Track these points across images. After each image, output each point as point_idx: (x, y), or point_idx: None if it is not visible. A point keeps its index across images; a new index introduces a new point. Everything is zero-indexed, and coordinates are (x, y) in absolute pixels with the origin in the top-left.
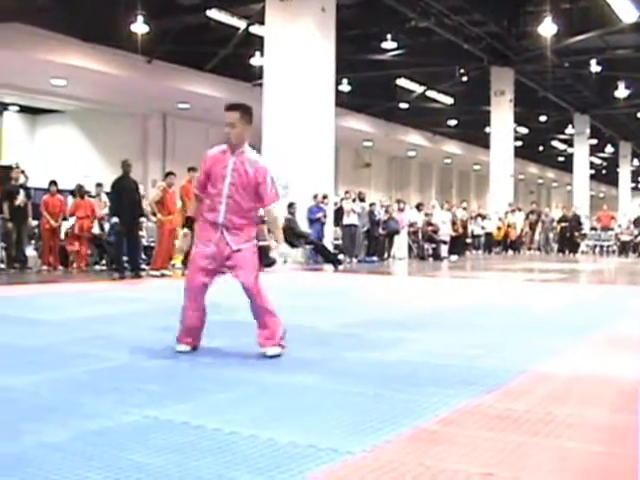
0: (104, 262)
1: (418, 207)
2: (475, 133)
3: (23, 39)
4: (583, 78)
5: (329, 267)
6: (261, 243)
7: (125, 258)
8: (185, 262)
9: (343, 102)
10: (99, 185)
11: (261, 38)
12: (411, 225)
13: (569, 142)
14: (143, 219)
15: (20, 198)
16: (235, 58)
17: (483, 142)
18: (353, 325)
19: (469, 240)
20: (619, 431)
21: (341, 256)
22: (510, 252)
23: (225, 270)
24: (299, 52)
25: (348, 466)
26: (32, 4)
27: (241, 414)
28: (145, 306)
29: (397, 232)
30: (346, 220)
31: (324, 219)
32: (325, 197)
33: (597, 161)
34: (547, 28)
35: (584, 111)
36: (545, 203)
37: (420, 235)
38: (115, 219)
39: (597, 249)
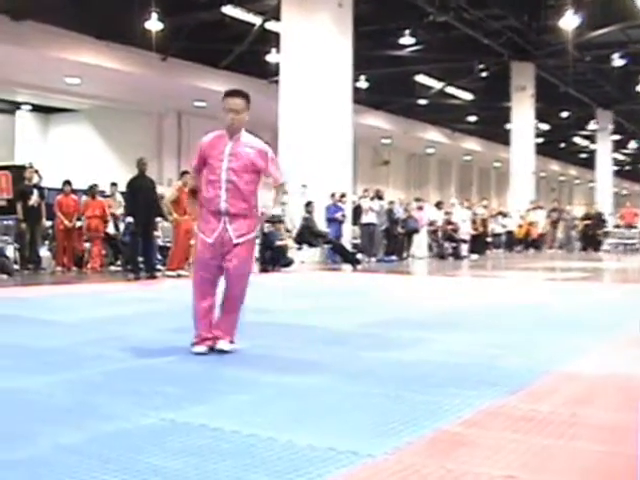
0: (119, 263)
1: (438, 205)
2: (495, 130)
3: (36, 37)
4: (605, 73)
5: (347, 267)
6: (278, 243)
7: (140, 259)
8: None
9: (361, 99)
10: (114, 184)
11: (277, 34)
12: (431, 224)
13: (591, 138)
14: (159, 219)
15: (34, 198)
16: (251, 55)
17: (503, 139)
18: (372, 325)
19: (490, 239)
20: None
21: (359, 255)
22: (531, 251)
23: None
24: (316, 48)
25: (368, 469)
26: (45, 2)
27: (259, 416)
28: (161, 306)
29: (416, 231)
30: (364, 219)
31: (342, 218)
32: (343, 196)
33: (620, 157)
34: (568, 22)
35: (607, 106)
36: (567, 201)
37: (440, 234)
38: (130, 219)
39: (620, 247)
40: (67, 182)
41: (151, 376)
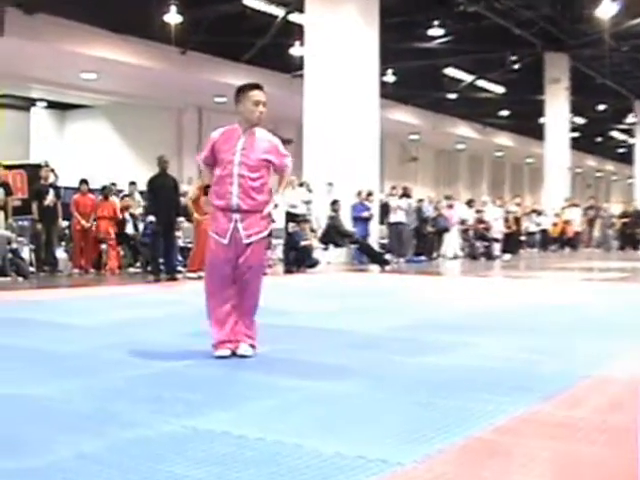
0: (138, 264)
1: (469, 203)
2: (528, 124)
3: (50, 31)
4: None
5: (375, 267)
6: (303, 243)
7: (161, 260)
8: None
9: (388, 93)
10: (132, 183)
11: (301, 27)
12: (462, 222)
13: (630, 132)
14: (181, 219)
15: (49, 198)
16: (273, 48)
17: (537, 133)
18: (401, 328)
19: (523, 238)
20: None
21: (388, 256)
22: (567, 250)
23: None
24: (341, 41)
25: (398, 478)
26: None
27: (284, 422)
28: (182, 309)
29: (446, 230)
30: (393, 218)
31: (370, 217)
32: (370, 194)
33: None
34: (605, 10)
35: None
36: (604, 198)
37: (471, 233)
38: (151, 217)
39: None
40: (84, 181)
41: (172, 381)
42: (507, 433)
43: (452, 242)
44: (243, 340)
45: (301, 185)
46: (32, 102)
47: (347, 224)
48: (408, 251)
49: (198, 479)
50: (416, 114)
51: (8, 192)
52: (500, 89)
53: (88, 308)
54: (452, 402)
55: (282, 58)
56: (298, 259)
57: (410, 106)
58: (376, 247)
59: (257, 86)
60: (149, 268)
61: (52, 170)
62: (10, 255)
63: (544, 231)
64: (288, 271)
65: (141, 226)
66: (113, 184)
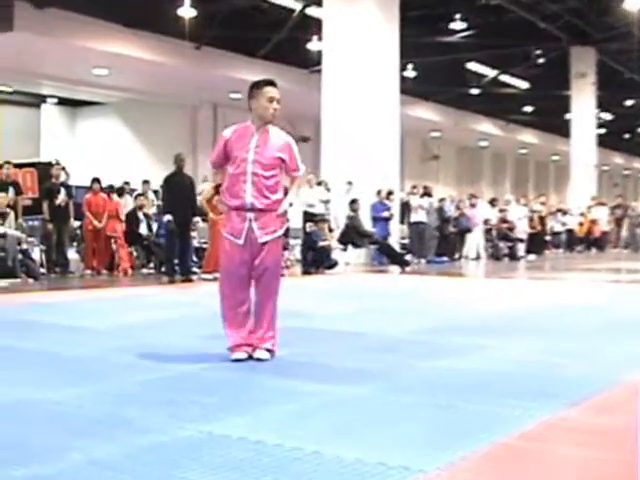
0: (152, 265)
1: (492, 202)
2: (553, 120)
3: (61, 25)
4: None
5: (395, 268)
6: (321, 243)
7: (175, 261)
8: None
9: (408, 89)
10: (146, 182)
11: (318, 21)
12: (485, 222)
13: None
14: (197, 219)
15: (61, 197)
16: (290, 43)
17: (562, 130)
18: (423, 331)
19: (548, 238)
20: None
21: (408, 256)
22: (594, 250)
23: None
24: (360, 35)
25: None
26: None
27: (303, 428)
28: (197, 311)
29: (469, 230)
30: (414, 217)
31: (390, 217)
32: (390, 193)
33: None
34: (633, 2)
35: None
36: (632, 196)
37: (494, 233)
38: (168, 217)
39: None
40: (96, 180)
41: (187, 385)
42: (533, 439)
43: (475, 242)
44: (261, 343)
45: (319, 184)
46: (42, 99)
47: (366, 224)
48: (429, 252)
49: None
50: (437, 110)
51: (18, 191)
52: (524, 84)
53: (100, 310)
54: (475, 407)
55: (299, 53)
56: (316, 260)
57: (431, 102)
58: (396, 247)
59: (271, 82)
60: (163, 269)
61: (63, 168)
62: (20, 256)
63: (570, 231)
64: (306, 272)
65: (155, 226)
66: (126, 183)
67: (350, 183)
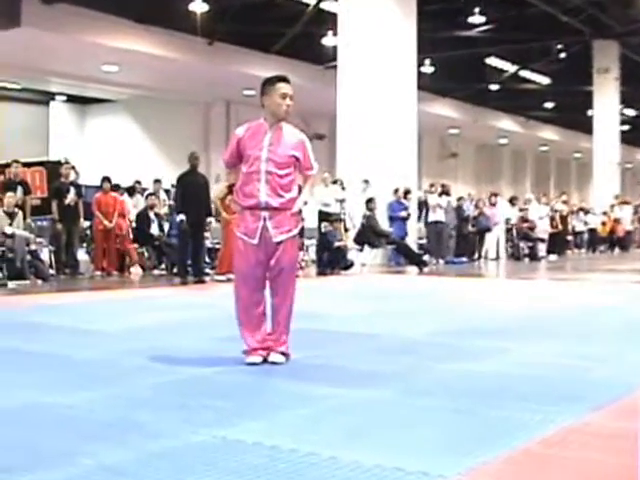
0: (163, 266)
1: (512, 201)
2: (575, 117)
3: (70, 21)
4: None
5: (413, 269)
6: (337, 244)
7: (188, 262)
8: None
9: (426, 85)
10: (157, 181)
11: (334, 15)
12: (505, 221)
13: None
14: (211, 219)
15: (70, 197)
16: (305, 38)
17: (585, 127)
18: (441, 333)
19: (570, 237)
20: None
21: (426, 257)
22: (617, 250)
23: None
24: (376, 30)
25: None
26: None
27: (320, 433)
28: (210, 314)
29: (488, 229)
30: (432, 217)
31: (407, 216)
32: (408, 192)
33: None
34: None
35: None
36: None
37: (514, 232)
38: (181, 216)
39: None
40: (106, 179)
41: (200, 389)
42: (555, 445)
43: (494, 242)
44: (276, 346)
45: (335, 182)
46: (51, 96)
47: (383, 224)
48: (447, 252)
49: None
50: (456, 107)
51: (27, 191)
52: (545, 80)
53: (111, 312)
54: (495, 411)
55: (314, 48)
56: (332, 260)
57: (449, 98)
58: (414, 247)
59: (284, 79)
60: (175, 270)
61: (73, 167)
62: (29, 257)
63: (592, 230)
64: (321, 273)
65: (166, 226)
66: (137, 182)
67: (366, 182)
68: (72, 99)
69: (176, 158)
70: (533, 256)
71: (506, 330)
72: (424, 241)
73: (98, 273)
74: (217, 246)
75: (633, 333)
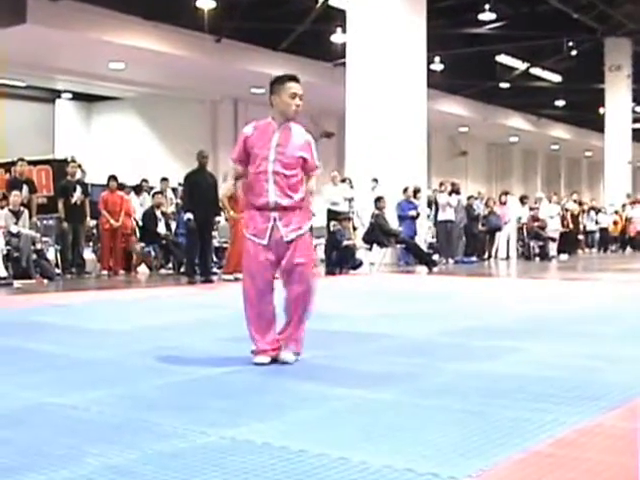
0: (170, 265)
1: (522, 200)
2: (586, 115)
3: (76, 18)
4: None
5: (422, 269)
6: (346, 243)
7: (195, 261)
8: None
9: (435, 83)
10: (164, 180)
11: (342, 12)
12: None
13: None
14: (219, 218)
15: (76, 195)
16: (313, 35)
17: (596, 125)
18: (451, 333)
19: (581, 237)
20: None
21: (436, 256)
22: (629, 250)
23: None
24: (386, 27)
25: None
26: None
27: (328, 433)
28: (218, 313)
29: (499, 228)
30: (441, 216)
31: (417, 215)
32: (417, 191)
33: None
34: None
35: None
36: None
37: (525, 232)
38: (189, 215)
39: None
40: (113, 177)
41: (208, 389)
42: (567, 446)
43: (505, 242)
44: (288, 344)
45: (343, 181)
46: (57, 94)
47: (392, 223)
48: (457, 251)
49: None
50: (465, 105)
51: (32, 189)
52: (556, 77)
53: (118, 312)
54: (506, 412)
55: (322, 46)
56: (340, 260)
57: (459, 96)
58: (423, 247)
59: (293, 77)
60: (182, 269)
61: (79, 166)
62: (35, 256)
63: (604, 230)
64: (330, 272)
65: (174, 225)
66: (144, 180)
67: (375, 180)
68: (78, 97)
69: (183, 156)
70: (544, 255)
71: (517, 330)
72: (433, 240)
73: (104, 272)
74: (225, 245)
75: None
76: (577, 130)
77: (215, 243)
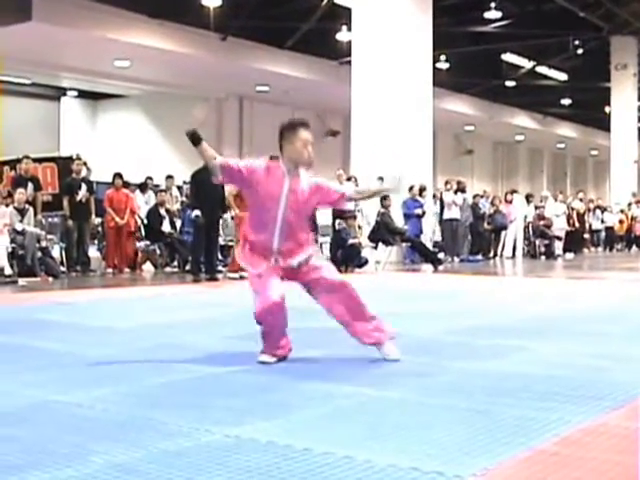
0: (175, 263)
1: (528, 198)
2: (592, 113)
3: (82, 16)
4: None
5: (428, 267)
6: (351, 241)
7: (201, 259)
8: None
9: (441, 81)
10: (169, 177)
11: (348, 10)
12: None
13: None
14: (226, 215)
15: (82, 193)
16: (319, 33)
17: (602, 124)
18: (457, 332)
19: (587, 236)
20: None
21: (441, 255)
22: (634, 249)
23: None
24: (392, 25)
25: None
26: None
27: (334, 432)
28: (223, 311)
29: (504, 227)
30: (447, 214)
31: (422, 214)
32: (423, 189)
33: None
34: None
35: None
36: None
37: (531, 230)
38: (197, 212)
39: None
40: (118, 175)
41: (213, 388)
42: (572, 445)
43: (510, 240)
44: (382, 340)
45: (349, 179)
46: (62, 91)
47: (398, 221)
48: (463, 250)
49: None
50: (471, 103)
51: (37, 187)
52: (562, 76)
53: (122, 310)
54: (511, 411)
55: (328, 44)
56: (346, 258)
57: (465, 95)
58: (429, 245)
59: (305, 124)
60: (187, 267)
61: (84, 163)
62: (40, 254)
63: (609, 229)
64: None
65: (179, 223)
66: (149, 178)
67: (381, 179)
68: (83, 94)
69: (188, 154)
70: (549, 254)
71: (523, 329)
72: (438, 238)
73: (109, 270)
74: (230, 243)
75: None
76: (583, 129)
77: (220, 241)
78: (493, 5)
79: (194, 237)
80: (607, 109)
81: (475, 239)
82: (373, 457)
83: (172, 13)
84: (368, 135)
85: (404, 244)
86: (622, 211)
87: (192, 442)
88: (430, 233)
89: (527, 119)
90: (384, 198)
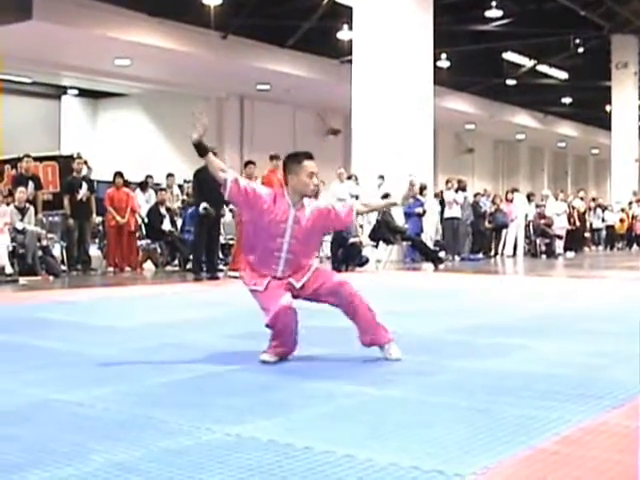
0: (176, 262)
1: (529, 197)
2: (593, 112)
3: (82, 14)
4: None
5: (428, 266)
6: (352, 240)
7: (202, 257)
8: None
9: (442, 80)
10: (170, 175)
11: (349, 9)
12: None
13: None
14: (225, 211)
15: (82, 192)
16: (320, 32)
17: (603, 122)
18: (458, 331)
19: (587, 234)
20: None
21: (442, 253)
22: (635, 248)
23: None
24: (392, 24)
25: None
26: None
27: (335, 431)
28: (224, 310)
29: (505, 226)
30: (447, 213)
31: (423, 212)
32: (424, 188)
33: None
34: None
35: None
36: None
37: (531, 229)
38: (204, 204)
39: None
40: (118, 174)
41: (214, 386)
42: (573, 444)
43: (511, 239)
44: (382, 344)
45: (349, 178)
46: (63, 90)
47: (399, 220)
48: (463, 248)
49: None
50: (472, 102)
51: (38, 186)
52: (563, 75)
53: (124, 309)
54: (512, 410)
55: (329, 42)
56: (347, 257)
57: (465, 93)
58: (430, 244)
59: (309, 156)
60: (188, 266)
61: (85, 162)
62: (40, 253)
63: (610, 227)
64: (336, 270)
65: (179, 221)
66: (149, 177)
67: (382, 177)
68: (84, 93)
69: (189, 153)
70: (550, 253)
71: (523, 328)
72: (439, 237)
73: (110, 269)
74: (231, 242)
75: None
76: (584, 127)
77: (222, 240)
78: (494, 4)
79: (195, 236)
80: (608, 108)
81: (476, 238)
82: (374, 456)
83: (172, 11)
84: (369, 134)
85: (405, 243)
86: (623, 210)
87: (193, 441)
88: (432, 232)
89: (528, 118)
90: (385, 197)
